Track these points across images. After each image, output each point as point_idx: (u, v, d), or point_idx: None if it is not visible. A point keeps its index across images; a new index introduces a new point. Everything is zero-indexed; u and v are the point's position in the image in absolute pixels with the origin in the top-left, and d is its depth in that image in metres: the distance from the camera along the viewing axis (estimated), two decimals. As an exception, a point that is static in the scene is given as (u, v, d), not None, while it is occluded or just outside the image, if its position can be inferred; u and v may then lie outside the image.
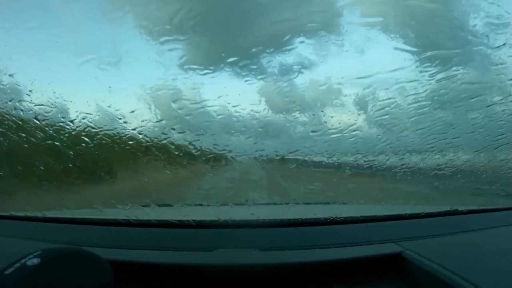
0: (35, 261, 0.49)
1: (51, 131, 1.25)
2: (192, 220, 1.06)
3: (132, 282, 0.72)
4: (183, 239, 0.90)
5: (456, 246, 0.86)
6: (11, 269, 0.48)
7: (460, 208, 1.17)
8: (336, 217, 1.06)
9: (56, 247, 0.55)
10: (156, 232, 0.95)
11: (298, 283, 0.73)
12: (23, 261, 0.49)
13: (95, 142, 1.36)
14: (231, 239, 0.89)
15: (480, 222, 1.09)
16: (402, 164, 1.46)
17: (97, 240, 0.87)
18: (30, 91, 1.32)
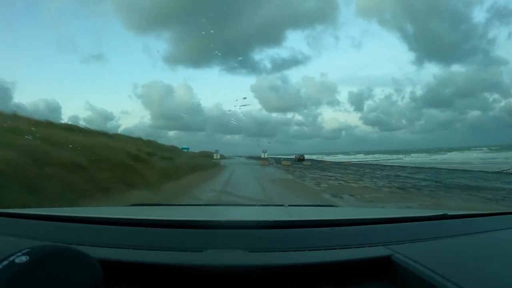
0: (24, 258, 0.49)
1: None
2: (183, 220, 1.06)
3: (122, 281, 0.73)
4: (173, 239, 0.90)
5: (445, 250, 0.88)
6: None
7: (450, 213, 1.19)
8: (326, 220, 1.07)
9: (45, 245, 0.55)
10: (146, 231, 0.95)
11: (287, 284, 0.73)
12: (11, 258, 0.49)
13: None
14: (221, 240, 0.89)
15: (469, 226, 1.12)
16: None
17: (87, 239, 0.87)
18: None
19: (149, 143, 24.34)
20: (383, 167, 29.03)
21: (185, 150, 31.34)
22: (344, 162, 39.02)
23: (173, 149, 28.23)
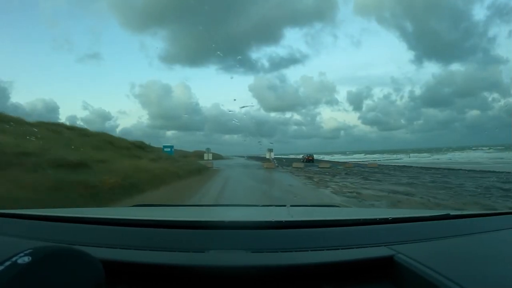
0: (26, 259, 0.49)
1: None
2: (185, 220, 1.06)
3: (124, 281, 0.73)
4: (175, 239, 0.90)
5: (447, 250, 0.88)
6: (1, 267, 0.48)
7: (452, 213, 1.19)
8: (328, 220, 1.08)
9: (47, 245, 0.55)
10: (148, 232, 0.95)
11: (289, 285, 0.73)
12: (14, 259, 0.49)
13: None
14: (223, 240, 0.89)
15: (471, 226, 1.12)
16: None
17: (89, 239, 0.87)
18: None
19: (97, 137, 16.45)
20: (426, 170, 22.12)
21: (168, 150, 23.57)
22: (368, 164, 31.74)
23: (137, 147, 19.05)
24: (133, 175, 9.61)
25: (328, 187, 11.61)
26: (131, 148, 17.79)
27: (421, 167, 25.39)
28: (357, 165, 30.04)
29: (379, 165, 30.50)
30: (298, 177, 16.08)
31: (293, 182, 13.55)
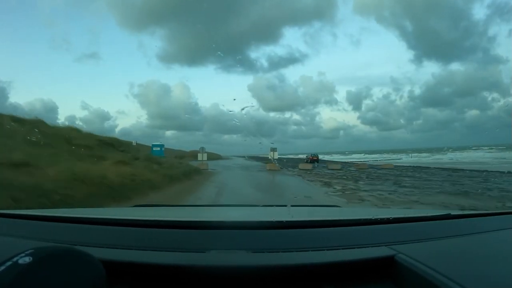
0: (27, 259, 0.49)
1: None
2: (186, 220, 1.07)
3: (124, 282, 0.73)
4: (176, 239, 0.90)
5: (448, 250, 0.88)
6: (2, 267, 0.48)
7: (453, 212, 1.19)
8: (329, 220, 1.08)
9: (48, 245, 0.55)
10: (149, 232, 0.95)
11: (290, 285, 0.73)
12: (15, 259, 0.49)
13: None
14: (224, 240, 0.89)
15: (473, 226, 1.11)
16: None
17: (89, 239, 0.87)
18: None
19: (55, 131, 13.08)
20: (452, 171, 19.25)
21: (157, 150, 21.02)
22: (383, 165, 27.93)
23: (107, 145, 15.26)
24: (61, 189, 5.75)
25: (363, 200, 8.50)
26: (94, 146, 13.64)
27: (441, 168, 22.53)
28: (370, 166, 26.93)
29: (394, 166, 27.25)
30: (312, 182, 13.10)
31: (309, 191, 10.39)
